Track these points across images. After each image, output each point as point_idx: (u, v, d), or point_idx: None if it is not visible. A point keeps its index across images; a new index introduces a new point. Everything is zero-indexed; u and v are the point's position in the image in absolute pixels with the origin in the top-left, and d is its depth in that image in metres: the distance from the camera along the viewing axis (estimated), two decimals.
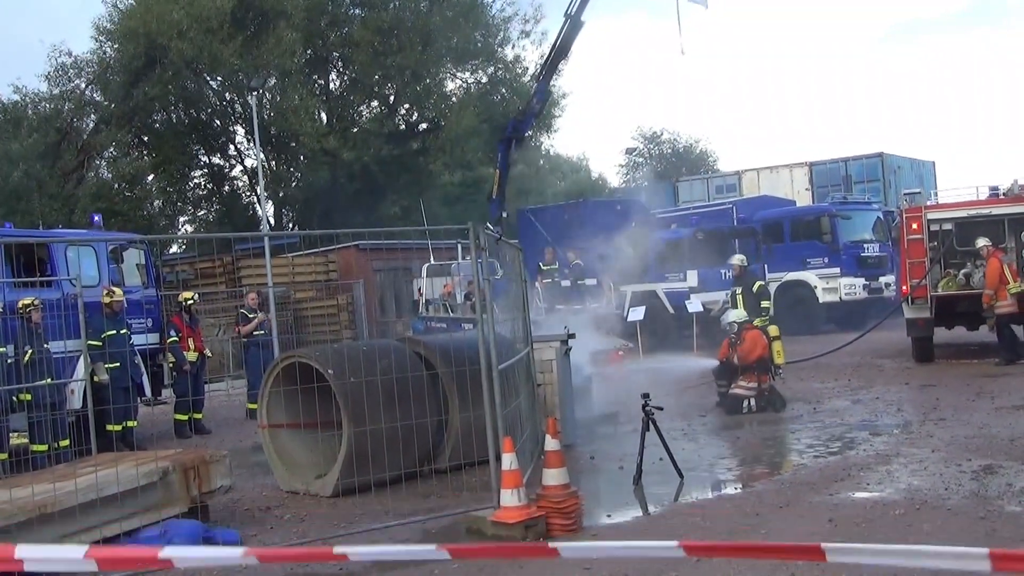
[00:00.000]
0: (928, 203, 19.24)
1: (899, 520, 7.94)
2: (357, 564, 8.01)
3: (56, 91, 35.29)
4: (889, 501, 8.61)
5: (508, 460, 8.16)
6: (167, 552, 3.78)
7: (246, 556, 3.70)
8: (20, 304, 13.30)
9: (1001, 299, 17.06)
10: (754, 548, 3.13)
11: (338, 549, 3.35)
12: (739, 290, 17.09)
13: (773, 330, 14.97)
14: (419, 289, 25.07)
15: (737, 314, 15.11)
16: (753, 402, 14.28)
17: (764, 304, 16.16)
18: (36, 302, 13.33)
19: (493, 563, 7.55)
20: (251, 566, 4.10)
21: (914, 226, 18.11)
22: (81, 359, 13.40)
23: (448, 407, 11.00)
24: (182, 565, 3.94)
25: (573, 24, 26.50)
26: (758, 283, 17.39)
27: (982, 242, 17.25)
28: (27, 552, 3.75)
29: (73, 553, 3.76)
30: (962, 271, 17.90)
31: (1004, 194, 18.19)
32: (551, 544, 3.01)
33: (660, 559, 7.35)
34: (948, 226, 18.35)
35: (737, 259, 18.12)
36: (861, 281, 26.60)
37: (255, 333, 17.89)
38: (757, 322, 15.31)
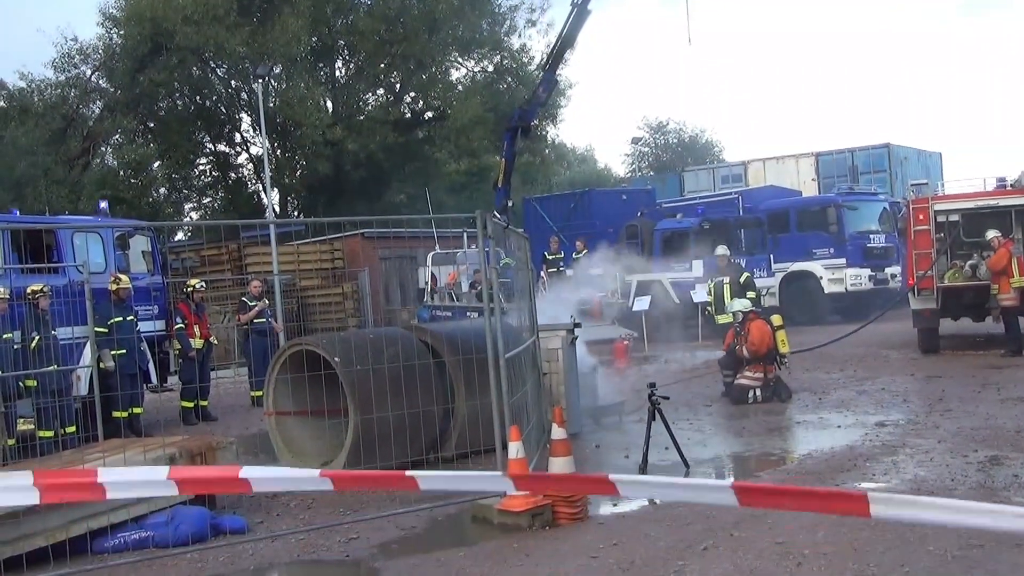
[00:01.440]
0: (935, 194, 19.20)
1: None
2: (363, 547, 8.05)
3: (62, 78, 35.32)
4: (895, 491, 8.61)
5: (515, 448, 8.18)
6: (245, 472, 4.00)
7: (321, 478, 3.99)
8: (28, 290, 13.32)
9: (1004, 292, 17.05)
10: (801, 492, 3.16)
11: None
12: (726, 281, 17.11)
13: (776, 319, 14.94)
14: (432, 276, 25.03)
15: (742, 304, 15.10)
16: (759, 392, 14.28)
17: (750, 295, 16.11)
18: (45, 288, 13.36)
19: (499, 550, 7.58)
20: (326, 490, 4.29)
21: (920, 217, 18.08)
22: (87, 345, 13.44)
23: (454, 395, 11.02)
24: (258, 488, 4.17)
25: (579, 13, 26.41)
26: (745, 274, 17.42)
27: (992, 233, 17.20)
28: (109, 476, 4.00)
29: (156, 475, 4.03)
30: (968, 262, 17.88)
31: (1011, 185, 18.14)
32: (611, 477, 3.08)
33: (669, 548, 7.38)
34: (955, 217, 18.32)
35: (721, 250, 18.14)
36: (867, 272, 26.58)
37: (256, 321, 17.92)
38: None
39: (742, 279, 17.00)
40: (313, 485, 4.07)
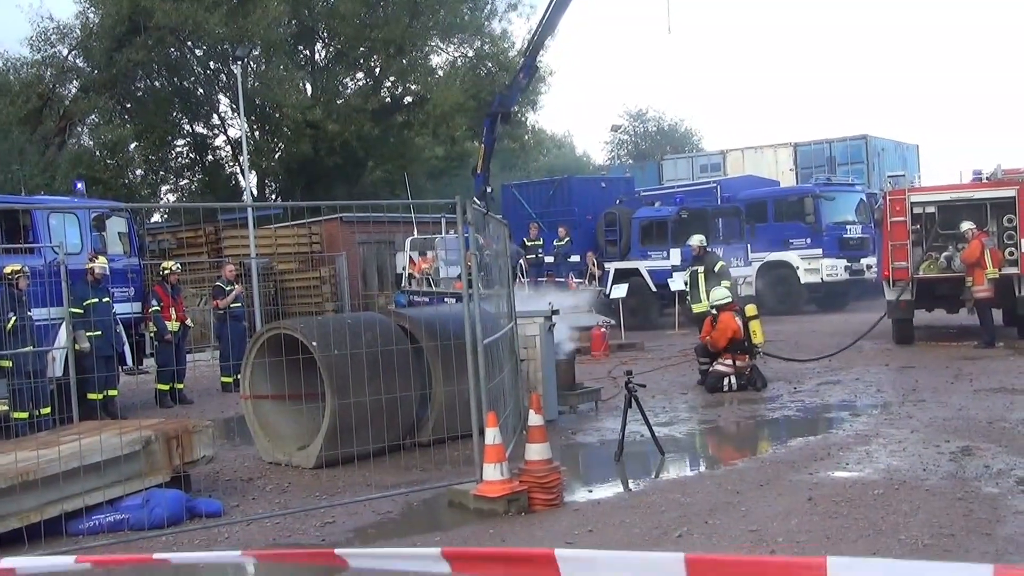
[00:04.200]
0: (911, 186, 19.32)
1: (878, 499, 8.02)
2: (338, 532, 8.06)
3: (38, 56, 34.99)
4: (868, 480, 8.69)
5: (491, 434, 8.20)
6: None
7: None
8: (7, 270, 13.21)
9: (978, 283, 17.20)
10: (759, 562, 3.15)
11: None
12: (700, 270, 17.15)
13: (750, 309, 14.98)
14: (410, 260, 25.00)
15: (721, 294, 15.11)
16: (734, 380, 14.35)
17: (725, 284, 16.16)
18: (24, 269, 13.27)
19: (475, 535, 7.60)
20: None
21: (897, 208, 18.20)
22: (62, 327, 13.36)
23: (431, 381, 11.03)
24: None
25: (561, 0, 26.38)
26: (719, 263, 17.47)
27: (967, 225, 17.34)
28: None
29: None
30: (943, 254, 18.01)
31: (987, 178, 18.27)
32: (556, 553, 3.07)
33: (643, 535, 7.42)
34: (931, 209, 18.45)
35: (696, 240, 18.18)
36: (843, 262, 26.77)
37: (232, 305, 17.86)
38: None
39: (717, 268, 17.06)
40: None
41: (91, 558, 3.67)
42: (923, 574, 2.73)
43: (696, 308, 16.92)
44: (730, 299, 14.84)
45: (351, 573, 7.10)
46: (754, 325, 14.67)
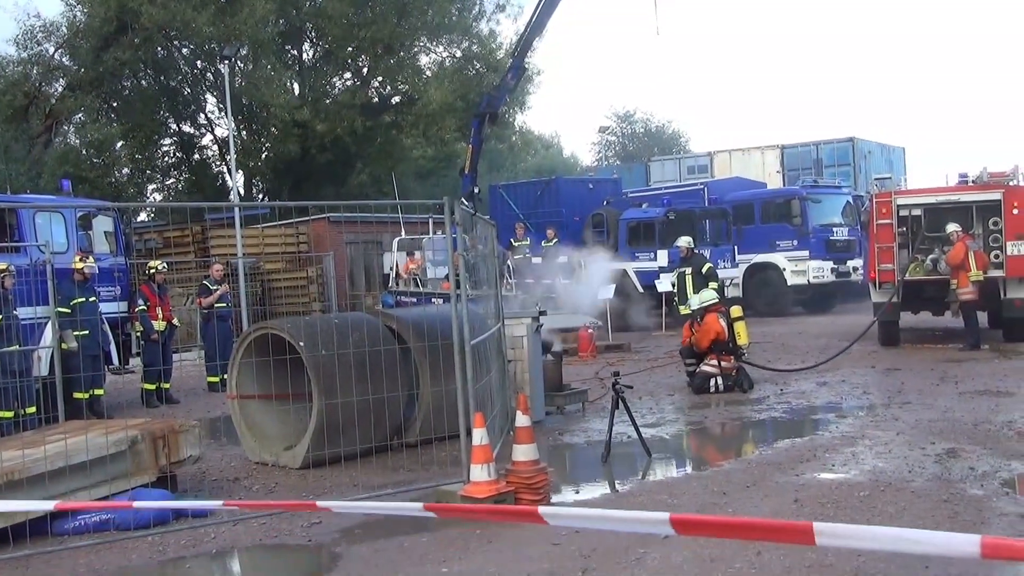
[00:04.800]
0: (898, 188, 19.39)
1: (863, 501, 8.05)
2: (325, 532, 8.05)
3: (24, 55, 34.82)
4: (854, 482, 8.73)
5: (479, 435, 8.19)
6: None
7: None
8: None
9: (962, 286, 17.29)
10: (743, 525, 3.16)
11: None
12: (688, 272, 17.19)
13: (736, 310, 15.01)
14: (397, 264, 25.00)
15: (707, 295, 15.15)
16: (720, 381, 14.38)
17: (712, 286, 16.20)
18: (11, 268, 13.22)
19: (462, 536, 7.60)
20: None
21: (883, 211, 18.27)
22: (48, 326, 13.31)
23: (419, 381, 11.02)
24: None
25: (549, 0, 26.40)
26: (707, 265, 17.52)
27: (952, 227, 17.42)
28: None
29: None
30: (930, 256, 18.06)
31: (973, 181, 18.35)
32: (541, 510, 3.06)
33: (630, 536, 7.42)
34: (917, 212, 18.52)
35: (684, 241, 18.21)
36: (829, 264, 26.87)
37: (217, 305, 17.83)
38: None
39: (704, 269, 17.10)
40: None
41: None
42: (908, 541, 2.73)
43: (683, 310, 16.97)
44: (716, 300, 14.87)
45: (339, 571, 7.12)
46: (739, 326, 14.70)
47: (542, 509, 3.08)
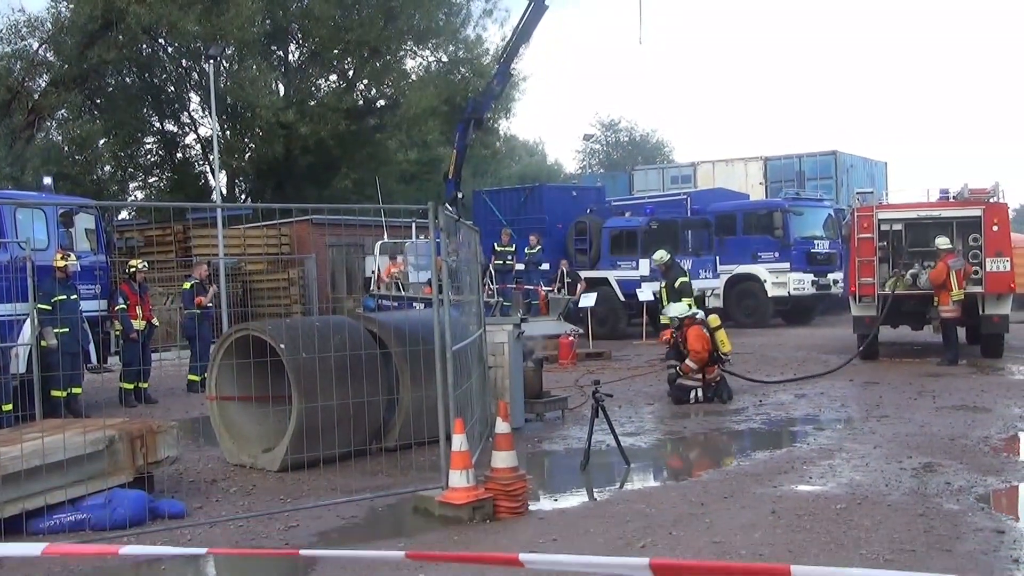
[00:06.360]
0: (879, 203, 19.50)
1: (840, 514, 8.08)
2: (302, 535, 8.03)
3: (8, 49, 34.61)
4: (831, 495, 8.76)
5: (458, 441, 8.20)
6: None
7: None
8: None
9: (943, 304, 17.41)
10: (722, 569, 3.18)
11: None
12: (663, 285, 17.32)
13: (713, 320, 15.06)
14: (378, 268, 24.97)
15: (678, 309, 15.23)
16: (700, 392, 14.42)
17: (687, 301, 16.24)
18: None
19: (440, 542, 7.59)
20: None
21: (865, 225, 18.37)
22: (27, 323, 13.23)
23: (399, 386, 11.01)
24: None
25: (536, 8, 26.48)
26: (680, 279, 17.63)
27: (942, 242, 17.45)
28: None
29: None
30: (910, 271, 18.16)
31: (954, 197, 18.48)
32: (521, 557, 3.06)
33: (607, 544, 7.44)
34: (898, 227, 18.61)
35: (657, 256, 18.33)
36: (810, 277, 26.96)
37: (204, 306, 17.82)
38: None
39: (677, 284, 17.25)
40: None
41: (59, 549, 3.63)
42: None
43: (663, 321, 17.05)
44: (685, 315, 14.88)
45: (317, 573, 7.09)
46: (720, 335, 14.75)
47: (523, 556, 3.09)
